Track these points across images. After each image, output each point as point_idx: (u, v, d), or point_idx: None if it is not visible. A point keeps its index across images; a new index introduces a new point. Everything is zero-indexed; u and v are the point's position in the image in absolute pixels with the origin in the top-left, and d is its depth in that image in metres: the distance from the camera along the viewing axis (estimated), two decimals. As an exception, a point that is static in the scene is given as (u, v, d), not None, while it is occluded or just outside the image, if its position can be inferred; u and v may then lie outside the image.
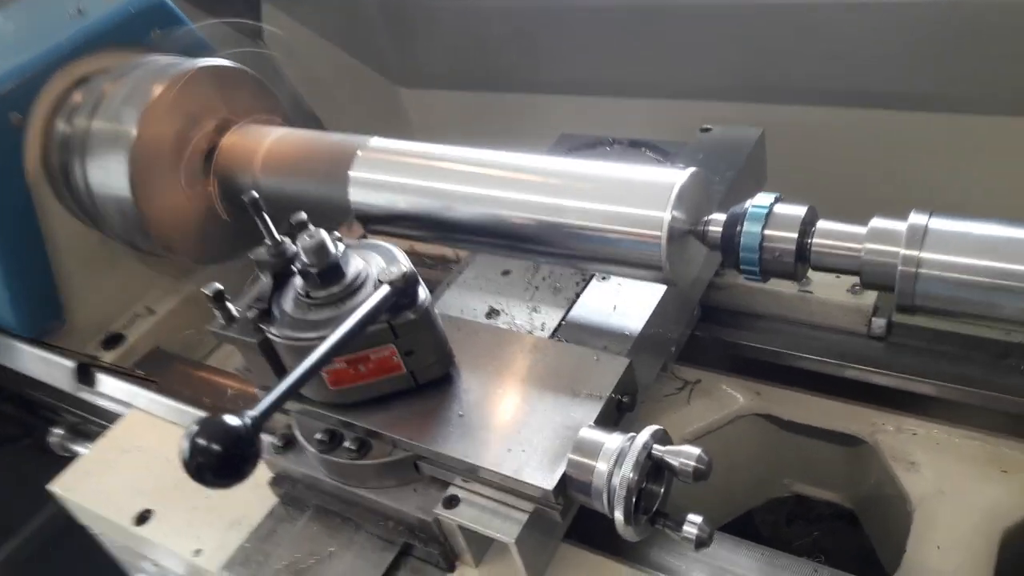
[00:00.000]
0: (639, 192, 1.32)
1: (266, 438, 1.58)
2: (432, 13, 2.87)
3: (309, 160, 1.69)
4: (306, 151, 1.72)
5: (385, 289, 1.21)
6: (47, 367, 1.99)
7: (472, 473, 1.23)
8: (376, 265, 1.34)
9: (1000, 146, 2.14)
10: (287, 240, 1.36)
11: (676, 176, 1.30)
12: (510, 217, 1.45)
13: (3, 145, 1.85)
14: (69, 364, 1.95)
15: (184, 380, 2.01)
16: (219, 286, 1.34)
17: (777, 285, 1.73)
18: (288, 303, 1.32)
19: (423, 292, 1.26)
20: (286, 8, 2.70)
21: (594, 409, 1.23)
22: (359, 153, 1.62)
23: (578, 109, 2.87)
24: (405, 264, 1.25)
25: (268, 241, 1.34)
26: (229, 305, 1.36)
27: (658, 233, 1.27)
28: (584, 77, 2.80)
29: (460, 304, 1.67)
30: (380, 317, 1.21)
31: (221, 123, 1.84)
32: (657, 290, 1.54)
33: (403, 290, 1.23)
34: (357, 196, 1.61)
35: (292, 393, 1.03)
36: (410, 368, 1.31)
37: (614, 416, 1.28)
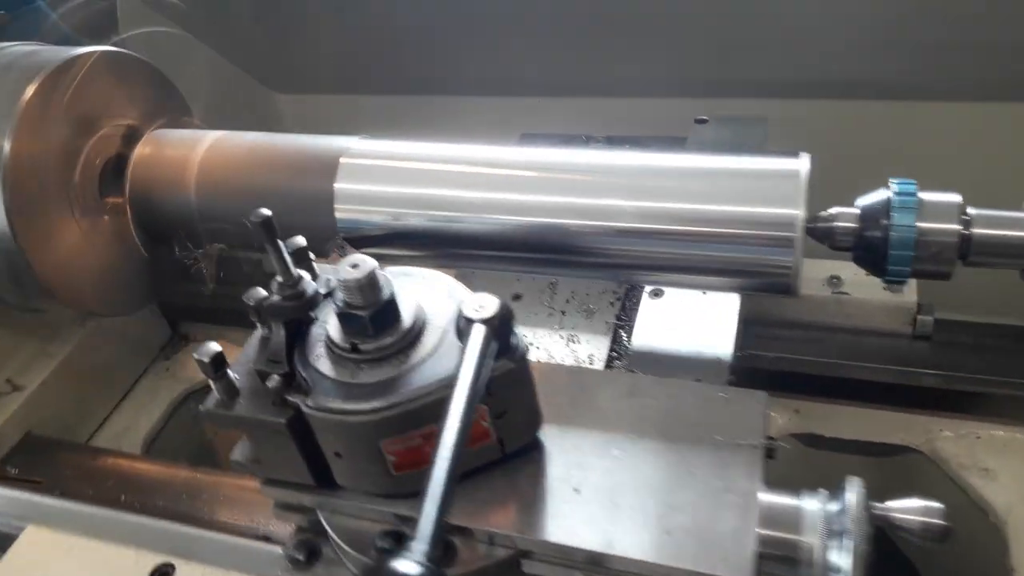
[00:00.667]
0: (754, 185, 1.07)
1: (256, 547, 1.19)
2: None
3: (270, 171, 1.30)
4: (263, 160, 1.32)
5: (481, 332, 0.88)
6: None
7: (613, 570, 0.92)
8: (427, 299, 1.00)
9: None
10: (305, 275, 0.99)
11: (797, 164, 1.07)
12: (568, 227, 1.16)
13: None
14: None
15: (79, 473, 1.53)
16: (216, 347, 0.94)
17: (807, 288, 1.56)
18: (322, 362, 0.95)
19: (518, 333, 0.94)
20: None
21: (754, 463, 0.97)
22: (343, 160, 1.26)
23: (477, 110, 2.59)
24: (490, 299, 0.92)
25: (281, 277, 0.97)
26: (231, 374, 0.96)
27: (790, 235, 1.04)
28: (492, 76, 2.53)
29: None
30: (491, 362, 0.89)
31: (127, 130, 1.40)
32: (727, 302, 1.30)
33: (499, 331, 0.90)
34: (347, 213, 1.25)
35: (450, 497, 0.69)
36: (500, 434, 0.98)
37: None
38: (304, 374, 0.95)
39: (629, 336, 1.32)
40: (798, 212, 1.04)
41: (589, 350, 1.31)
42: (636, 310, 1.35)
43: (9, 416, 1.60)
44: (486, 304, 0.91)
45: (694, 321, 1.28)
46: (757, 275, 1.10)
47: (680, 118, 2.25)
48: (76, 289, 1.35)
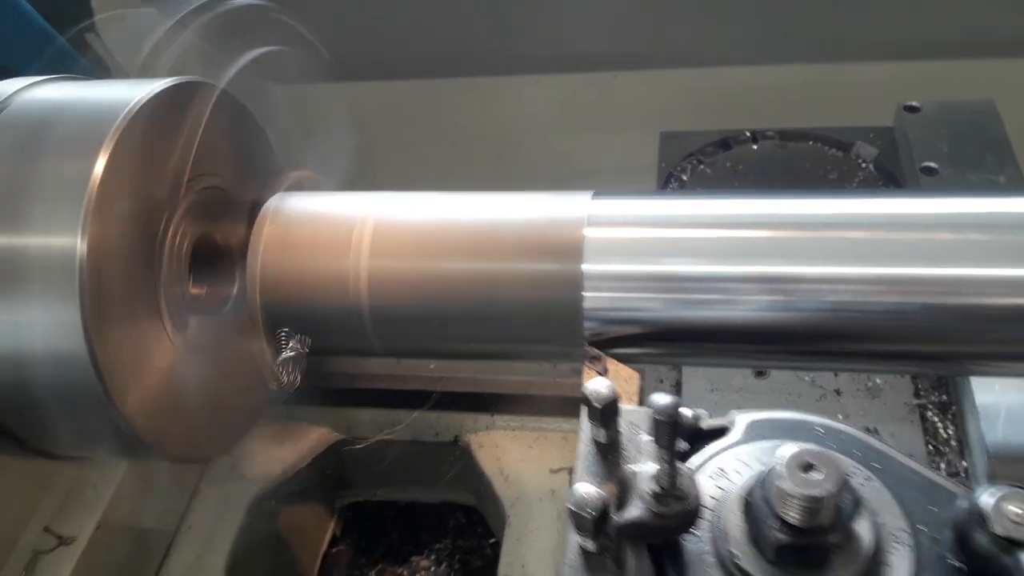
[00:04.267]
0: None
1: None
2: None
3: (481, 253, 0.91)
4: (469, 236, 0.92)
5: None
6: None
7: None
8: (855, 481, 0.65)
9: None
10: (686, 471, 0.63)
11: None
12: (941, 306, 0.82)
13: None
14: None
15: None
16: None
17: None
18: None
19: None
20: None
21: None
22: (587, 231, 0.88)
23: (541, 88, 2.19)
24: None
25: (659, 484, 0.60)
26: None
27: None
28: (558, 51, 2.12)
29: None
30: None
31: (214, 195, 0.97)
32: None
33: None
34: (599, 304, 0.88)
35: None
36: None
37: None
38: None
39: (949, 422, 1.00)
40: None
41: (899, 447, 0.99)
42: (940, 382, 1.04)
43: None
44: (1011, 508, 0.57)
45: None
46: None
47: (793, 89, 1.92)
48: (169, 428, 0.93)
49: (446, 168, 2.06)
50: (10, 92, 0.93)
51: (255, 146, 1.07)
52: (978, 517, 0.59)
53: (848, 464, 0.68)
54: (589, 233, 0.88)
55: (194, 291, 0.99)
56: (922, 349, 0.87)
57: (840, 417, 1.04)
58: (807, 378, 1.08)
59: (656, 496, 0.61)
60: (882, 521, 0.63)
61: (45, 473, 1.22)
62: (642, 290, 0.88)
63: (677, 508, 0.61)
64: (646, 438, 0.71)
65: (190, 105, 0.97)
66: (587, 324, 0.88)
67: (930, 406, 1.04)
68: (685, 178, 1.36)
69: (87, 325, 0.80)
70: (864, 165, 1.34)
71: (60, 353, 0.81)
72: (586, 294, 0.87)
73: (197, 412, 0.95)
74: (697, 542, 0.64)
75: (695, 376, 1.11)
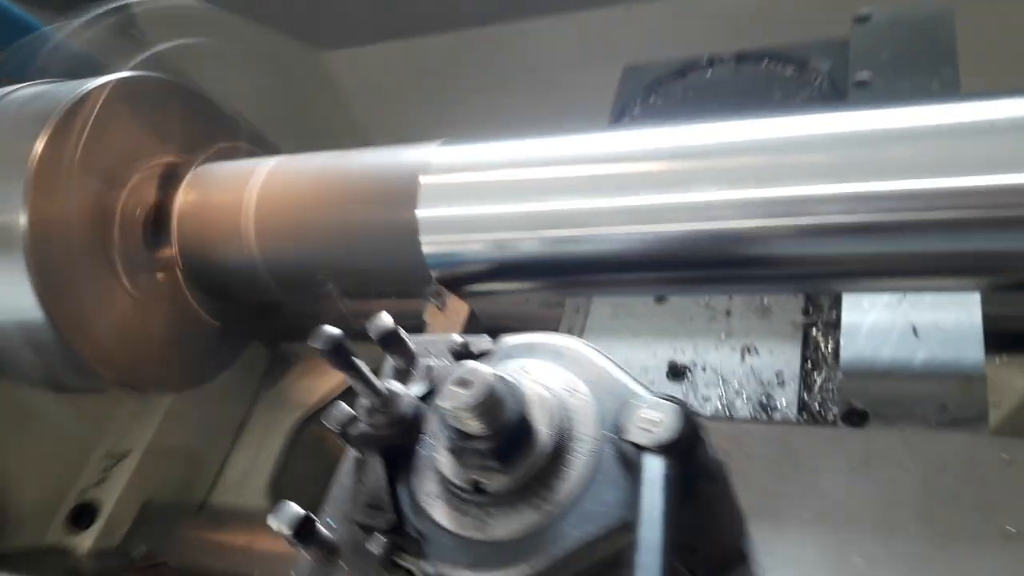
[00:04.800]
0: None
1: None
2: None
3: (339, 204, 1.03)
4: (330, 190, 1.05)
5: (658, 466, 0.60)
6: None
7: None
8: (565, 394, 0.72)
9: None
10: (399, 389, 0.73)
11: None
12: (741, 231, 0.84)
13: None
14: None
15: (205, 549, 1.38)
16: (298, 511, 0.70)
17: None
18: (437, 506, 0.70)
19: (706, 439, 0.65)
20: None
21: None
22: (423, 180, 0.97)
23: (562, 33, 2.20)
24: (665, 407, 0.63)
25: (368, 400, 0.71)
26: (321, 530, 0.72)
27: None
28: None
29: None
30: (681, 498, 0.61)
31: (166, 170, 1.15)
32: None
33: (684, 457, 0.62)
34: (437, 247, 0.97)
35: None
36: (688, 567, 0.71)
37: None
38: (416, 524, 0.70)
39: (828, 340, 1.00)
40: None
41: (776, 363, 1.01)
42: (835, 302, 1.03)
43: (123, 491, 1.46)
44: (660, 417, 0.62)
45: (922, 317, 0.94)
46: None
47: (803, 14, 1.81)
48: (131, 366, 1.14)
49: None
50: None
51: (204, 123, 1.25)
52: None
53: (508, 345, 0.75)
54: (424, 180, 0.97)
55: (154, 253, 1.19)
56: (768, 272, 0.89)
57: (723, 336, 1.07)
58: (703, 302, 1.10)
59: (367, 411, 0.72)
60: (577, 428, 0.70)
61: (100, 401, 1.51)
62: (472, 231, 0.96)
63: (382, 421, 0.71)
64: (423, 362, 0.82)
65: (137, 95, 1.16)
66: (430, 266, 0.98)
67: (818, 324, 1.03)
68: (636, 112, 1.38)
69: (36, 288, 1.02)
70: (817, 81, 1.28)
71: (21, 312, 1.03)
72: (423, 238, 0.96)
73: (159, 352, 1.15)
74: (427, 445, 0.74)
75: (601, 304, 1.16)
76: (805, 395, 0.97)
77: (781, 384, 0.99)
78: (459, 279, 0.99)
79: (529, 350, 0.78)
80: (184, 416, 1.57)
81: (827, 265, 0.85)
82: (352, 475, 0.78)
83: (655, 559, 0.56)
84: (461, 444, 0.67)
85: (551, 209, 0.92)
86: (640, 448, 0.62)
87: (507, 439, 0.67)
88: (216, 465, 1.65)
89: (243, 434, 1.70)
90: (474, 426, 0.66)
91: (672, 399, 0.64)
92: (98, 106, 1.10)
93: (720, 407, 1.00)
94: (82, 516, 1.43)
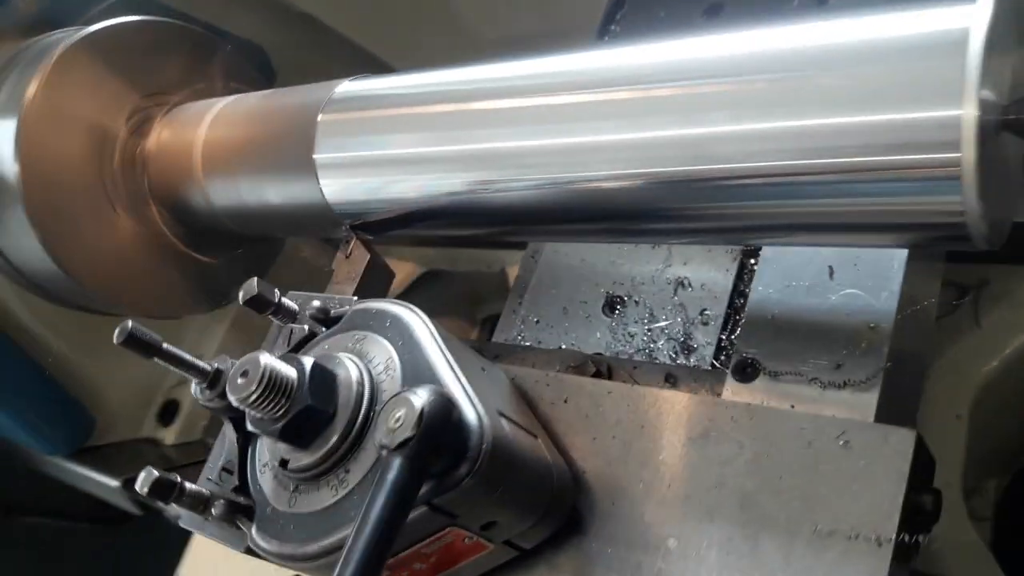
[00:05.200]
0: (880, 73, 0.59)
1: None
2: None
3: (259, 143, 1.05)
4: (256, 128, 1.07)
5: (395, 466, 0.59)
6: (99, 488, 1.55)
7: None
8: (370, 373, 0.72)
9: None
10: (227, 362, 0.76)
11: (967, 14, 0.55)
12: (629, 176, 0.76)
13: None
14: (115, 483, 1.50)
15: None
16: (152, 474, 0.76)
17: None
18: (266, 477, 0.75)
19: (473, 420, 0.63)
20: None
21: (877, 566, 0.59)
22: (320, 117, 0.95)
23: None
24: (416, 398, 0.61)
25: (194, 379, 0.75)
26: (191, 486, 0.79)
27: (952, 155, 0.56)
28: None
29: (554, 300, 1.02)
30: (415, 499, 0.61)
31: (134, 115, 1.22)
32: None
33: (431, 447, 0.60)
34: (340, 193, 0.96)
35: None
36: (502, 539, 0.71)
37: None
38: (253, 492, 0.75)
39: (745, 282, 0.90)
40: (961, 111, 0.54)
41: (700, 301, 0.93)
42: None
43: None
44: (403, 415, 0.61)
45: (837, 254, 0.81)
46: (912, 227, 0.63)
47: None
48: (131, 297, 1.24)
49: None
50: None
51: (194, 63, 1.28)
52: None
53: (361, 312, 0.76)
54: (323, 119, 0.95)
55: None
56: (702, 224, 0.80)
57: (660, 266, 0.99)
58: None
59: (200, 388, 0.76)
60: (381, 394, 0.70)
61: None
62: (371, 174, 0.93)
63: (210, 396, 0.76)
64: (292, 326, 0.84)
65: (129, 38, 1.22)
66: (336, 210, 0.97)
67: (754, 254, 0.92)
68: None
69: (35, 225, 1.12)
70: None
71: (25, 250, 1.16)
72: (322, 182, 0.96)
73: (143, 281, 1.24)
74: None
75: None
76: (723, 336, 0.89)
77: (705, 324, 0.91)
78: (370, 226, 0.97)
79: (371, 319, 0.78)
80: (247, 326, 1.72)
81: (728, 220, 0.75)
82: (222, 438, 0.84)
83: (355, 562, 0.56)
84: (261, 426, 0.70)
85: (452, 150, 0.87)
86: (384, 449, 0.61)
87: (296, 422, 0.69)
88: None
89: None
90: (259, 412, 0.68)
91: (438, 392, 0.63)
92: (89, 51, 1.17)
93: (642, 346, 0.94)
94: (167, 413, 1.65)
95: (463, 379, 0.68)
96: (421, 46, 1.63)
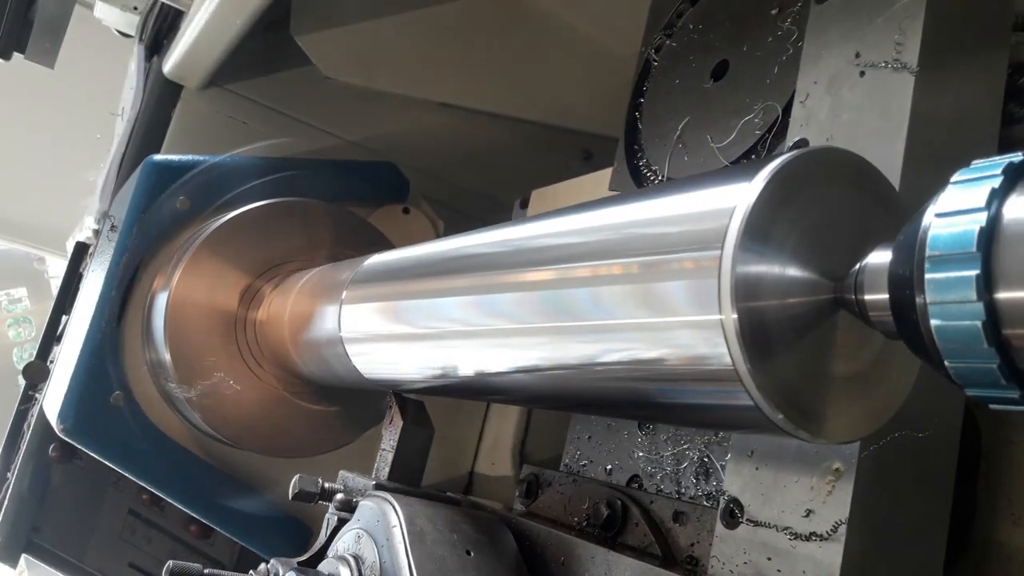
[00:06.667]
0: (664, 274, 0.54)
1: None
2: None
3: (308, 319, 1.17)
4: (307, 305, 1.20)
5: None
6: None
7: None
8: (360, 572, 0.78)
9: None
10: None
11: (741, 194, 0.49)
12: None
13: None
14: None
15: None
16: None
17: None
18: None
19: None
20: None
21: None
22: (345, 292, 1.04)
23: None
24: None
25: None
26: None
27: (720, 367, 0.50)
28: None
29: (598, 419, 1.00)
30: None
31: (246, 293, 1.39)
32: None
33: None
34: (364, 364, 1.03)
35: None
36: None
37: None
38: None
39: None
40: (722, 316, 0.48)
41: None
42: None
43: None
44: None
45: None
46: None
47: None
48: (262, 444, 1.42)
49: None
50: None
51: (317, 235, 1.45)
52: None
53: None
54: (347, 295, 1.03)
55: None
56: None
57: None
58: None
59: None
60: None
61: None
62: (381, 352, 0.99)
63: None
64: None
65: (249, 226, 1.41)
66: (366, 378, 1.04)
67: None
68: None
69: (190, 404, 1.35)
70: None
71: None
72: (352, 358, 1.03)
73: (289, 427, 1.41)
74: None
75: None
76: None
77: (720, 444, 0.85)
78: (409, 389, 1.04)
79: (368, 514, 0.85)
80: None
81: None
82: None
83: None
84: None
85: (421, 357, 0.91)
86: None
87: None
88: (474, 442, 1.91)
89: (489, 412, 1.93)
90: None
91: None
92: (207, 249, 1.37)
93: (671, 470, 0.90)
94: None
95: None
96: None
